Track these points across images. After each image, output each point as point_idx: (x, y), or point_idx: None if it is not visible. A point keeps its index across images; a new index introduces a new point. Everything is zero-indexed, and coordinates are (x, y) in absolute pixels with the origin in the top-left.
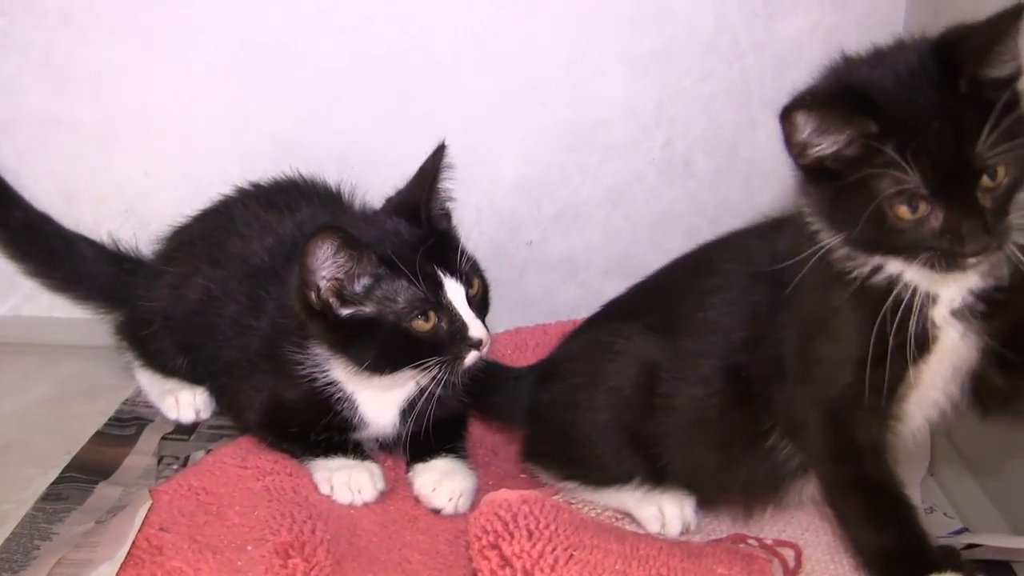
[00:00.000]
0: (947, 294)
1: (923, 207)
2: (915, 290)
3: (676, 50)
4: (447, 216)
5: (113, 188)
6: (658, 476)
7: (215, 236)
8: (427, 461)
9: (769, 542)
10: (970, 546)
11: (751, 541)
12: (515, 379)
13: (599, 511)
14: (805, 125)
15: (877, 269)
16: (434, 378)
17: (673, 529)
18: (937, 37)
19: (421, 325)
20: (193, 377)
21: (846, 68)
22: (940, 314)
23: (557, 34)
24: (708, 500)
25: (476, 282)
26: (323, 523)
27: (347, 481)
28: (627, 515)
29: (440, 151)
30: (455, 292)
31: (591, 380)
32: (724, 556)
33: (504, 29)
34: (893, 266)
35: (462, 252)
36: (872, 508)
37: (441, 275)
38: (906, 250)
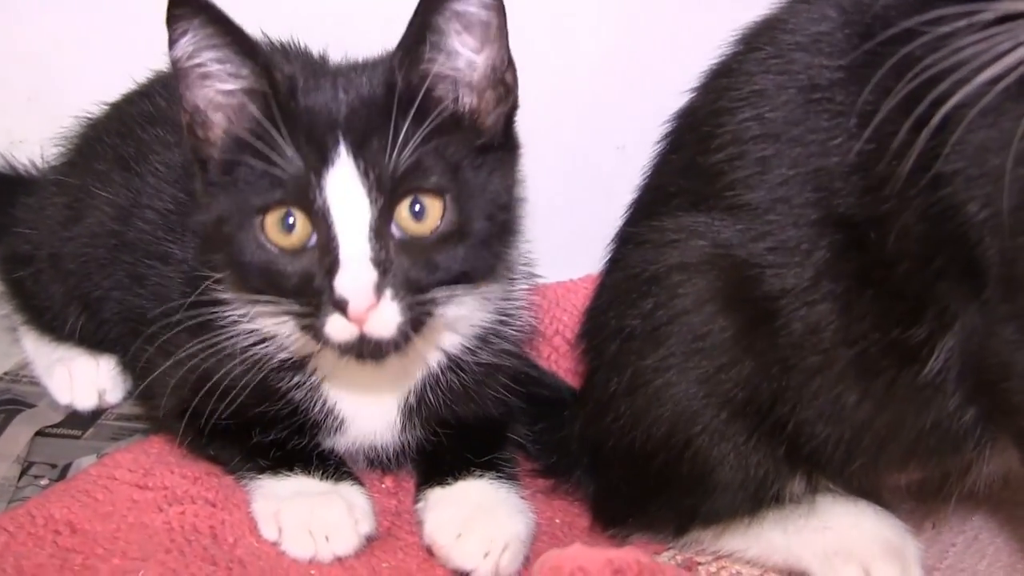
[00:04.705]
0: None
1: None
2: None
3: None
4: (448, 82)
5: (14, 64)
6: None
7: (130, 128)
8: (449, 484)
9: None
10: None
11: None
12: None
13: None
14: None
15: None
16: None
17: None
18: None
19: (276, 234)
20: (97, 342)
21: None
22: None
23: None
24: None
25: (431, 203)
26: None
27: (306, 520)
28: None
29: None
30: (345, 187)
31: (652, 340)
32: None
33: None
34: None
35: (427, 135)
36: None
37: (332, 150)
38: None
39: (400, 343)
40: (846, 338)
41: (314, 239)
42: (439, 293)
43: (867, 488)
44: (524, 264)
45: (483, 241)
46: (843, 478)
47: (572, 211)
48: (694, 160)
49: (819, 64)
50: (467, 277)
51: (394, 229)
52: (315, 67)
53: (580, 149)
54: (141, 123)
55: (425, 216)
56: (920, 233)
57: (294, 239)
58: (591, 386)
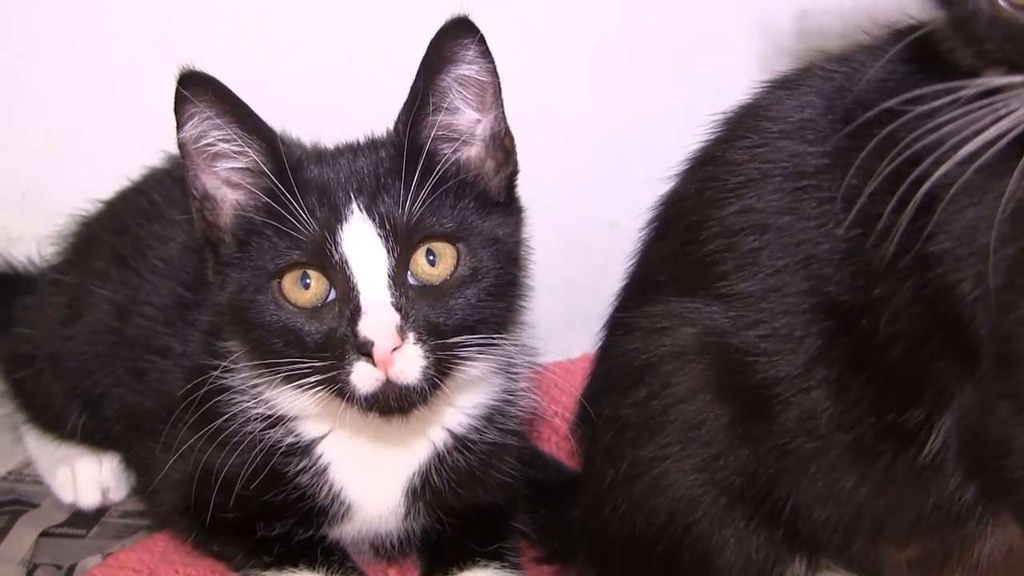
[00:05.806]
0: None
1: None
2: None
3: None
4: (451, 141)
5: (6, 161)
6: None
7: (126, 225)
8: (454, 575)
9: None
10: None
11: None
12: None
13: None
14: None
15: None
16: (315, 394)
17: None
18: None
19: (294, 293)
20: (100, 440)
21: None
22: None
23: None
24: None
25: (444, 250)
26: None
27: None
28: None
29: (454, 27)
30: (361, 241)
31: (647, 430)
32: None
33: None
34: None
35: (435, 187)
36: None
37: (345, 209)
38: None
39: (426, 392)
40: (842, 423)
41: (332, 294)
42: (459, 338)
43: (867, 566)
44: (526, 353)
45: (495, 288)
46: (843, 558)
47: (567, 289)
48: (683, 249)
49: (804, 151)
50: (483, 325)
51: (410, 278)
52: (315, 149)
53: (573, 226)
54: (137, 219)
55: (439, 263)
56: (913, 315)
57: (311, 296)
58: (588, 476)
